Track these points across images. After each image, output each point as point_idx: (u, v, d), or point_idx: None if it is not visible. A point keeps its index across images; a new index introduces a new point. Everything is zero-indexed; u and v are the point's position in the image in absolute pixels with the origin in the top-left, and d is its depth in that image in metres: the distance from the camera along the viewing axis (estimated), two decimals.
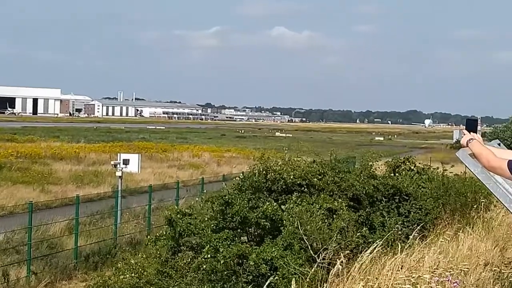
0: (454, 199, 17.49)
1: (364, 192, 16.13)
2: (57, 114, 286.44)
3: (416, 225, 15.95)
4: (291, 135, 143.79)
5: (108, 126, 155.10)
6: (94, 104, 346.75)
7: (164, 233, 13.44)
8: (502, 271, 10.06)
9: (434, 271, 8.92)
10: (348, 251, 12.52)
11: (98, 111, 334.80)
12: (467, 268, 9.77)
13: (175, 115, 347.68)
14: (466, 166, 6.30)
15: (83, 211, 24.65)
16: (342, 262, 10.49)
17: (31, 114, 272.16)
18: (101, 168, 45.98)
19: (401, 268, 9.11)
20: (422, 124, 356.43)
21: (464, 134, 6.37)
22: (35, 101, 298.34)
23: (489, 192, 6.44)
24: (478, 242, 12.00)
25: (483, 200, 17.15)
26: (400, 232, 14.81)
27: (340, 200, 14.88)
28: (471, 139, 6.23)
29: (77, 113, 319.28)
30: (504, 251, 11.51)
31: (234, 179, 17.22)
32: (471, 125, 6.44)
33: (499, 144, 7.67)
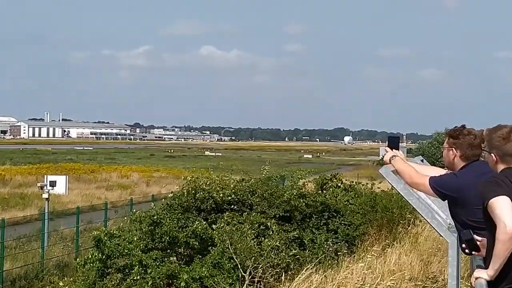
0: (381, 214, 17.74)
1: (294, 209, 16.23)
2: None
3: (344, 241, 16.14)
4: (220, 154, 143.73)
5: (34, 147, 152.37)
6: (20, 126, 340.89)
7: (92, 255, 13.26)
8: (425, 285, 10.24)
9: (361, 287, 9.04)
10: (278, 269, 12.59)
11: (24, 133, 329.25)
12: (393, 283, 9.92)
13: (103, 136, 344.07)
14: (389, 182, 6.41)
15: (9, 235, 24.08)
16: (272, 280, 10.55)
17: None
18: (27, 190, 45.10)
19: (329, 285, 9.20)
20: (342, 141, 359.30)
21: (387, 151, 6.48)
22: None
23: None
24: (404, 257, 12.19)
25: (409, 216, 17.44)
26: (329, 249, 14.95)
27: (272, 220, 14.94)
28: (394, 156, 6.34)
29: (2, 134, 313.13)
30: (428, 266, 11.72)
31: (163, 199, 17.12)
32: (393, 142, 6.55)
33: (422, 161, 7.85)
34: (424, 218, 6.44)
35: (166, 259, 12.73)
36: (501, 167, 5.08)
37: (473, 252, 5.38)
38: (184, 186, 15.95)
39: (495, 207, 4.74)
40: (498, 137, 5.10)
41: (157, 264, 12.39)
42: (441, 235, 6.32)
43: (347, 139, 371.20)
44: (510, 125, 5.21)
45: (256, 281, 11.96)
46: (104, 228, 15.35)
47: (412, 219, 17.34)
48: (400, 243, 14.36)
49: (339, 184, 21.10)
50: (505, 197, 4.74)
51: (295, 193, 16.65)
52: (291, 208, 16.17)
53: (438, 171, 6.49)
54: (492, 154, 5.12)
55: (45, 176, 29.07)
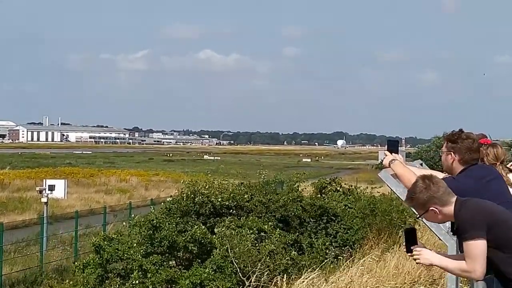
0: (380, 218, 17.74)
1: (292, 213, 16.26)
2: None
3: (343, 245, 16.15)
4: (219, 158, 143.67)
5: (33, 151, 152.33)
6: (18, 130, 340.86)
7: (91, 260, 13.26)
8: None
9: None
10: (277, 273, 12.59)
11: (23, 137, 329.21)
12: (393, 287, 9.92)
13: (102, 140, 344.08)
14: (388, 186, 6.41)
15: (8, 239, 24.10)
16: (271, 284, 10.54)
17: None
18: (26, 194, 45.08)
19: None
20: (335, 145, 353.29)
21: (386, 155, 6.47)
22: None
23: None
24: (404, 261, 12.18)
25: (409, 220, 17.44)
26: (328, 253, 14.96)
27: (270, 223, 14.98)
28: (393, 159, 6.33)
29: (1, 139, 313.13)
30: (429, 270, 11.72)
31: (162, 203, 17.13)
32: (392, 145, 6.53)
33: (421, 164, 7.84)
34: (424, 222, 6.45)
35: (165, 263, 12.74)
36: (449, 209, 5.01)
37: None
38: (184, 190, 15.99)
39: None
40: (420, 191, 5.02)
41: (157, 268, 12.39)
42: (440, 239, 6.34)
43: (340, 142, 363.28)
44: (417, 177, 5.21)
45: (255, 285, 11.96)
46: (103, 233, 15.35)
47: (412, 223, 17.33)
48: (399, 247, 14.35)
49: (338, 188, 21.11)
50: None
51: (291, 198, 16.69)
52: (288, 213, 16.20)
53: (438, 175, 6.48)
54: (433, 209, 5.01)
55: (44, 180, 29.11)
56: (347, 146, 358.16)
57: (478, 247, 4.80)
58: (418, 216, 5.19)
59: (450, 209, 5.01)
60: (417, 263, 5.21)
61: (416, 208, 5.12)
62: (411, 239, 5.15)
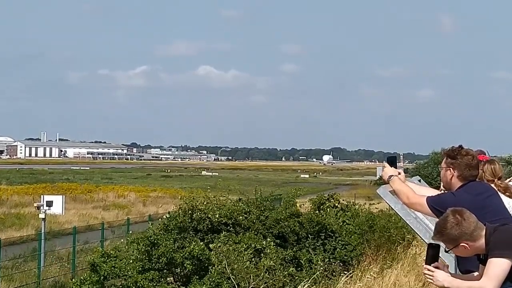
0: (379, 235, 17.69)
1: (290, 230, 16.22)
2: None
3: (342, 261, 16.10)
4: (217, 174, 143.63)
5: (31, 167, 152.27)
6: (16, 145, 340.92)
7: (88, 276, 13.22)
8: None
9: None
10: None
11: (20, 152, 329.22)
12: None
13: (100, 155, 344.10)
14: (386, 203, 6.39)
15: (5, 255, 24.06)
16: None
17: None
18: (24, 210, 45.04)
19: None
20: (321, 161, 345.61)
21: (384, 167, 6.44)
22: None
23: None
24: (402, 278, 12.15)
25: (407, 236, 17.40)
26: (327, 269, 14.92)
27: (268, 239, 14.94)
28: (392, 175, 6.30)
29: None
30: (427, 286, 11.70)
31: (160, 219, 17.12)
32: (390, 161, 6.52)
33: (419, 181, 7.83)
34: (422, 239, 6.43)
35: (163, 279, 12.70)
36: (479, 243, 4.95)
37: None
38: (181, 206, 15.96)
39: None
40: (451, 227, 4.93)
41: (154, 285, 12.34)
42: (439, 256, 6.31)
43: (326, 158, 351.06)
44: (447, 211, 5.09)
45: None
46: (100, 249, 15.31)
47: (410, 240, 17.29)
48: (398, 264, 14.32)
49: (336, 204, 21.05)
50: None
51: (288, 214, 16.65)
52: (286, 229, 16.17)
53: (435, 192, 6.47)
54: (464, 245, 4.95)
55: (42, 196, 29.08)
56: (334, 162, 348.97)
57: (501, 266, 4.75)
58: (447, 250, 5.10)
59: (480, 242, 4.95)
60: (429, 282, 5.18)
61: (446, 243, 5.04)
62: (434, 255, 5.14)
